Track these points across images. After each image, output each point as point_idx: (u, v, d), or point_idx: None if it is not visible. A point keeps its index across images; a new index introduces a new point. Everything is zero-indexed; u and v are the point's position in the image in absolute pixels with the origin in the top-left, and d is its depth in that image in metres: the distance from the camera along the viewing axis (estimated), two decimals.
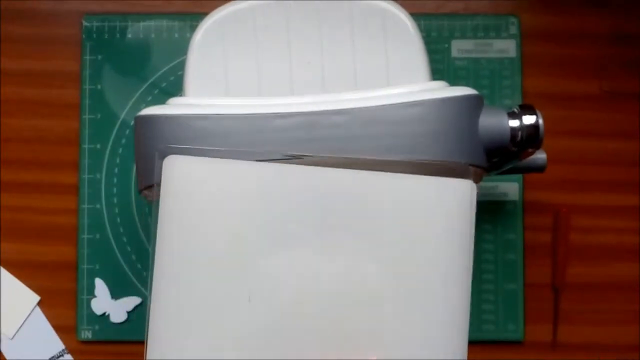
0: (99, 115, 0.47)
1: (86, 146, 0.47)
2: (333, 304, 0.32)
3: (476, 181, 0.34)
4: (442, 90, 0.35)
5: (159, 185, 0.33)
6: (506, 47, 0.48)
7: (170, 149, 0.33)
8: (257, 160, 0.33)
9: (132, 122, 0.47)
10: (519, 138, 0.35)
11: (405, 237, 0.32)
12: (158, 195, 0.33)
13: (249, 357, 0.32)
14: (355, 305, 0.32)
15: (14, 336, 0.47)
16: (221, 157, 0.33)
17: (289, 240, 0.32)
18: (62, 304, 0.47)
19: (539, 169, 0.41)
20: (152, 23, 0.48)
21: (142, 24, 0.48)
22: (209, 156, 0.33)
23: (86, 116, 0.47)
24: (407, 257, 0.32)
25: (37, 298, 0.47)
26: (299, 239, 0.33)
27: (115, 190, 0.47)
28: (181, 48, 0.47)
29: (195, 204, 0.33)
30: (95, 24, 0.48)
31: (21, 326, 0.47)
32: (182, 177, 0.33)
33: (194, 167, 0.33)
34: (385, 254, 0.32)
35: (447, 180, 0.33)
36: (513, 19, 0.48)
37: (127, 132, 0.47)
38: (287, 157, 0.33)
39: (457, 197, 0.33)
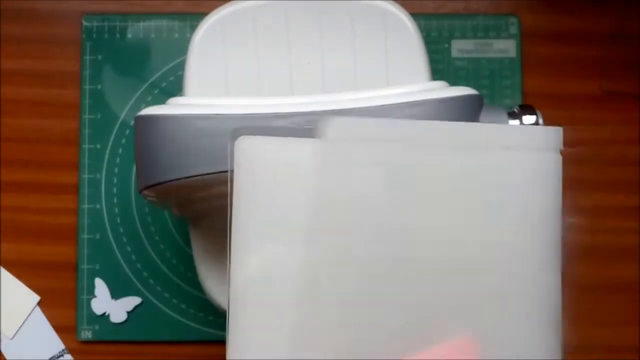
0: (99, 115, 0.47)
1: (86, 146, 0.47)
2: (426, 273, 0.30)
3: None
4: (442, 90, 0.35)
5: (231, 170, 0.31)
6: (506, 47, 0.48)
7: (238, 131, 0.31)
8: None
9: (132, 122, 0.47)
10: None
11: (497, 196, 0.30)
12: (230, 183, 0.31)
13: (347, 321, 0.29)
14: (450, 277, 0.30)
15: (13, 336, 0.47)
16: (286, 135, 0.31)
17: (374, 208, 0.30)
18: (62, 304, 0.47)
19: None
20: (152, 23, 0.48)
21: (142, 24, 0.48)
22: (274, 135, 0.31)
23: (86, 116, 0.47)
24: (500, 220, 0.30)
25: (37, 298, 0.47)
26: (385, 204, 0.30)
27: (115, 190, 0.47)
28: (181, 48, 0.47)
29: (272, 180, 0.30)
30: (95, 24, 0.48)
31: (21, 326, 0.47)
32: (256, 155, 0.30)
33: (266, 146, 0.31)
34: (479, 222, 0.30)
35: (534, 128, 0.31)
36: (513, 19, 0.48)
37: (127, 132, 0.47)
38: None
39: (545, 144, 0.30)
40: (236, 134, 0.31)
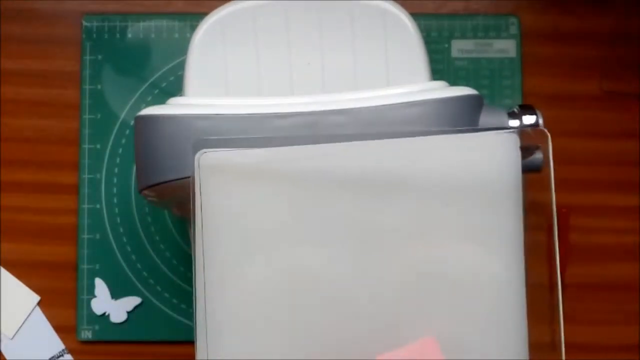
0: (99, 115, 0.47)
1: (86, 146, 0.47)
2: (384, 288, 0.31)
3: None
4: (442, 90, 0.35)
5: (192, 178, 0.32)
6: (506, 47, 0.48)
7: (201, 142, 0.32)
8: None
9: (132, 122, 0.47)
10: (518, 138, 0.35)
11: (455, 202, 0.31)
12: (192, 189, 0.32)
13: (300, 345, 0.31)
14: (405, 291, 0.31)
15: (14, 336, 0.47)
16: (249, 146, 0.31)
17: (334, 223, 0.31)
18: (62, 304, 0.47)
19: (535, 168, 0.41)
20: (152, 23, 0.48)
21: (142, 24, 0.48)
22: (237, 146, 0.31)
23: (86, 116, 0.47)
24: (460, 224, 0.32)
25: (37, 298, 0.47)
26: (345, 220, 0.31)
27: (115, 190, 0.47)
28: (181, 48, 0.47)
29: (235, 196, 0.31)
30: (95, 24, 0.48)
31: (21, 326, 0.47)
32: (218, 170, 0.31)
33: (228, 159, 0.31)
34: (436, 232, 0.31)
35: (489, 134, 0.32)
36: (513, 19, 0.48)
37: (127, 132, 0.47)
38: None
39: (504, 151, 0.32)
40: (197, 146, 0.31)
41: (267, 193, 0.31)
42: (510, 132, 0.32)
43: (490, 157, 0.32)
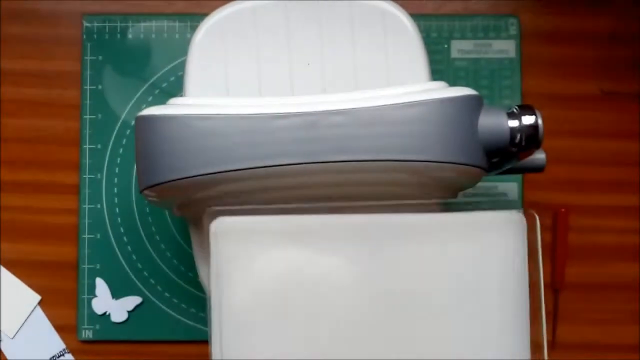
0: (99, 116, 0.47)
1: (87, 146, 0.47)
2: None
3: (475, 182, 0.34)
4: (442, 91, 0.35)
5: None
6: (506, 48, 0.48)
7: (216, 210, 0.34)
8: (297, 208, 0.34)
9: (133, 123, 0.47)
10: (518, 138, 0.35)
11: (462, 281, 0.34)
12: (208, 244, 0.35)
13: None
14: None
15: (14, 336, 0.47)
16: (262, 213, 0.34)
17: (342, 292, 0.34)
18: (63, 304, 0.47)
19: (538, 169, 0.41)
20: (152, 23, 0.48)
21: (142, 24, 0.48)
22: (251, 213, 0.34)
23: (87, 116, 0.47)
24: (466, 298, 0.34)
25: (37, 298, 0.47)
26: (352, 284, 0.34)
27: (116, 190, 0.47)
28: (182, 48, 0.47)
29: (248, 260, 0.34)
30: (95, 24, 0.48)
31: (22, 326, 0.47)
32: (231, 238, 0.34)
33: (241, 226, 0.34)
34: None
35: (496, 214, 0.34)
36: (513, 20, 0.48)
37: (128, 132, 0.47)
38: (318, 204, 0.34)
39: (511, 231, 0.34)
40: (211, 215, 0.34)
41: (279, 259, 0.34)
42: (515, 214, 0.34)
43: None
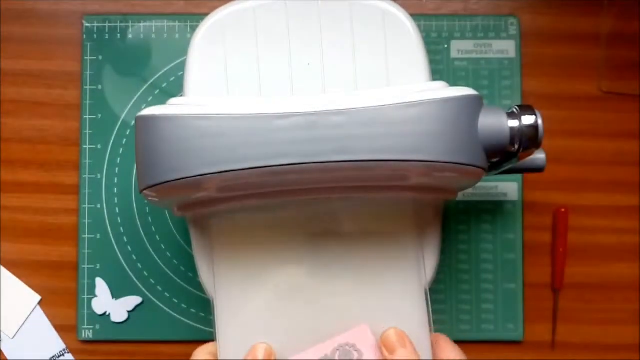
0: (99, 116, 0.47)
1: (87, 146, 0.47)
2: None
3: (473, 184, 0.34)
4: (442, 91, 0.35)
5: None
6: (506, 48, 0.48)
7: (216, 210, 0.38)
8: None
9: (133, 123, 0.47)
10: (518, 138, 0.35)
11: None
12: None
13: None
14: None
15: (14, 336, 0.47)
16: None
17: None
18: (63, 304, 0.47)
19: (538, 169, 0.41)
20: (152, 24, 0.48)
21: (142, 24, 0.48)
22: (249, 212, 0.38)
23: (87, 116, 0.47)
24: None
25: (37, 298, 0.47)
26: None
27: (115, 190, 0.47)
28: (181, 48, 0.47)
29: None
30: (95, 24, 0.48)
31: (22, 326, 0.47)
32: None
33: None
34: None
35: None
36: (512, 20, 0.48)
37: (128, 132, 0.47)
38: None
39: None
40: (212, 215, 0.38)
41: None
42: None
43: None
